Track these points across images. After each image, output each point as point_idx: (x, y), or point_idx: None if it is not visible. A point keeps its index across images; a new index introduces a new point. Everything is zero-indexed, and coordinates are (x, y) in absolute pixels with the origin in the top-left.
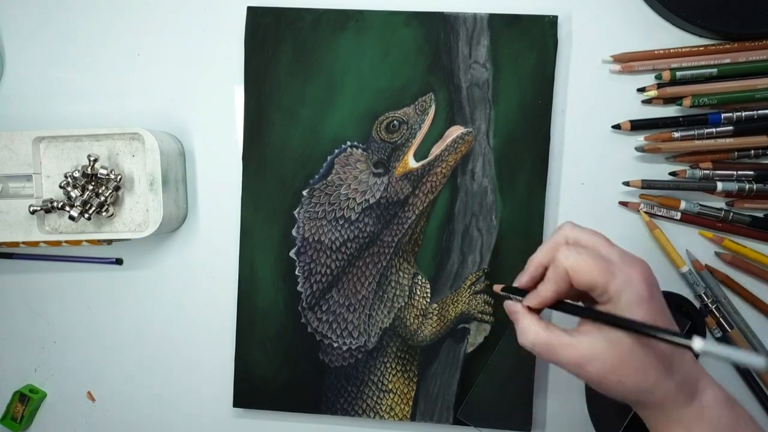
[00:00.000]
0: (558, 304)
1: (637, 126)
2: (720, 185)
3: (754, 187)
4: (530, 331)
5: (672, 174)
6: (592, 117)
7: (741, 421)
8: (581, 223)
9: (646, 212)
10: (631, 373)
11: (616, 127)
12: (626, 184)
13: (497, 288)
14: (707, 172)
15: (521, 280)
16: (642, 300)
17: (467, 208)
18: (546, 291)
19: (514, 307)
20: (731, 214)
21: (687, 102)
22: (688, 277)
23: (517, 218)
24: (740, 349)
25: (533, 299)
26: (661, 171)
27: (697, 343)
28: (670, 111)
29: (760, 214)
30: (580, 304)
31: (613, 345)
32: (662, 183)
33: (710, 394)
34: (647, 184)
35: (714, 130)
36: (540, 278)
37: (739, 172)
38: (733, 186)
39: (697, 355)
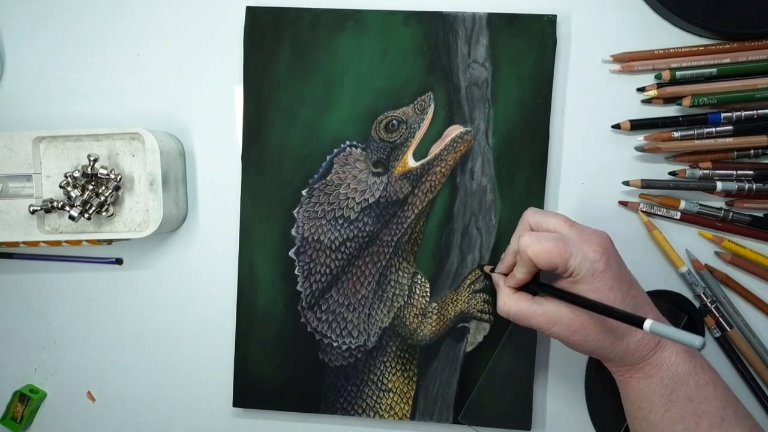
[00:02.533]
0: (531, 283)
1: (636, 126)
2: (720, 185)
3: (754, 186)
4: (506, 302)
5: (672, 174)
6: (591, 117)
7: (698, 368)
8: (580, 223)
9: (645, 212)
10: (592, 334)
11: (616, 126)
12: (626, 183)
13: (487, 269)
14: (707, 171)
15: (500, 268)
16: (597, 272)
17: (466, 207)
18: (519, 274)
19: (497, 281)
20: (731, 213)
21: (687, 102)
22: (687, 277)
23: (516, 217)
24: (681, 330)
25: (510, 281)
26: (660, 171)
27: (647, 324)
28: (669, 111)
29: (760, 214)
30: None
31: (574, 311)
32: (662, 182)
33: (671, 348)
34: (647, 184)
35: (714, 129)
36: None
37: (739, 172)
38: (733, 185)
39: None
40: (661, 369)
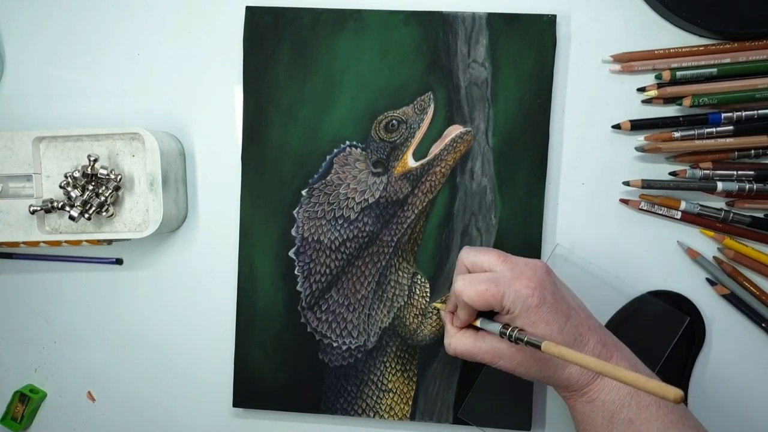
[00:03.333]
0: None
1: (637, 126)
2: (720, 185)
3: (755, 186)
4: (451, 342)
5: (672, 174)
6: (592, 117)
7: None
8: (581, 224)
9: (645, 210)
10: (533, 367)
11: (617, 127)
12: (626, 183)
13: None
14: (707, 172)
15: (449, 307)
16: (531, 308)
17: (466, 207)
18: (462, 315)
19: (444, 319)
20: (731, 214)
21: (687, 102)
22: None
23: (516, 217)
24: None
25: (456, 321)
26: (661, 171)
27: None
28: (670, 111)
29: (761, 214)
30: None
31: (514, 346)
32: (662, 183)
33: None
34: (647, 184)
35: (714, 129)
36: None
37: (740, 172)
38: (734, 186)
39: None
40: (603, 392)
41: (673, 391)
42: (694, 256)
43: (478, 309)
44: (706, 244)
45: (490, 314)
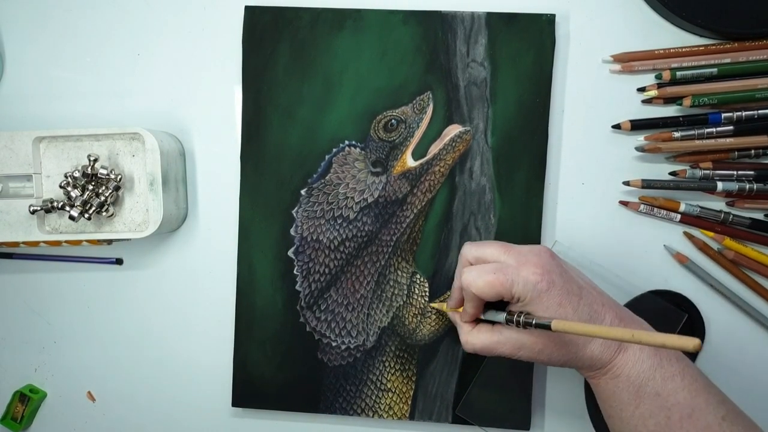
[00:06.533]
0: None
1: (637, 126)
2: (720, 185)
3: (755, 186)
4: (468, 340)
5: (672, 174)
6: (592, 117)
7: (664, 362)
8: (580, 223)
9: (644, 212)
10: (555, 351)
11: (617, 126)
12: (626, 183)
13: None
14: (707, 172)
15: (451, 304)
16: (542, 293)
17: (465, 206)
18: (469, 309)
19: (453, 318)
20: (731, 216)
21: (687, 102)
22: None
23: (515, 217)
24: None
25: (465, 316)
26: (661, 171)
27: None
28: (670, 111)
29: (761, 215)
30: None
31: (532, 334)
32: (662, 183)
33: (635, 345)
34: (647, 184)
35: (714, 130)
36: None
37: (740, 172)
38: (734, 186)
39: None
40: (626, 367)
41: (692, 342)
42: (683, 261)
43: (487, 300)
44: (688, 247)
45: (491, 306)
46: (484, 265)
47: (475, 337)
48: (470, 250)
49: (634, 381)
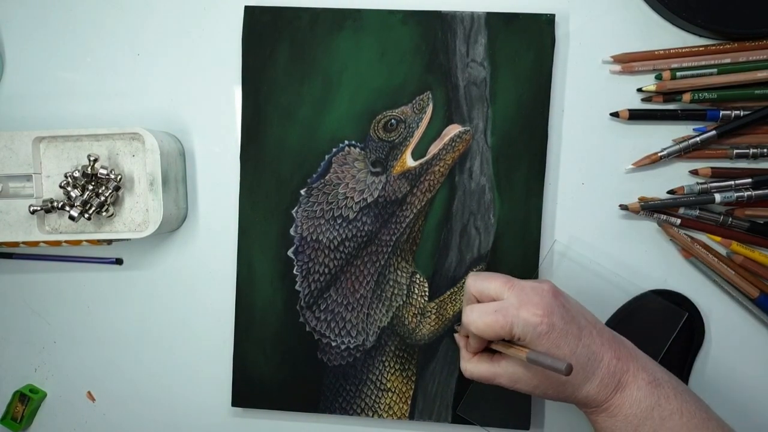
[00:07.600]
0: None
1: (635, 116)
2: (718, 197)
3: (753, 194)
4: (467, 368)
5: (670, 192)
6: (591, 117)
7: (662, 400)
8: (580, 223)
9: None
10: (551, 387)
11: (615, 114)
12: (624, 208)
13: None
14: (704, 186)
15: (462, 332)
16: (541, 335)
17: (465, 206)
18: (474, 344)
19: (458, 342)
20: (730, 219)
21: (687, 97)
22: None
23: (514, 216)
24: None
25: (470, 348)
26: (661, 171)
27: (562, 366)
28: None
29: (760, 221)
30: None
31: (530, 369)
32: (662, 202)
33: (633, 384)
34: (645, 206)
35: (714, 131)
36: None
37: (737, 181)
38: (732, 196)
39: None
40: (624, 407)
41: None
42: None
43: (489, 339)
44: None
45: None
46: (486, 306)
47: (474, 366)
48: (474, 284)
49: (632, 421)
